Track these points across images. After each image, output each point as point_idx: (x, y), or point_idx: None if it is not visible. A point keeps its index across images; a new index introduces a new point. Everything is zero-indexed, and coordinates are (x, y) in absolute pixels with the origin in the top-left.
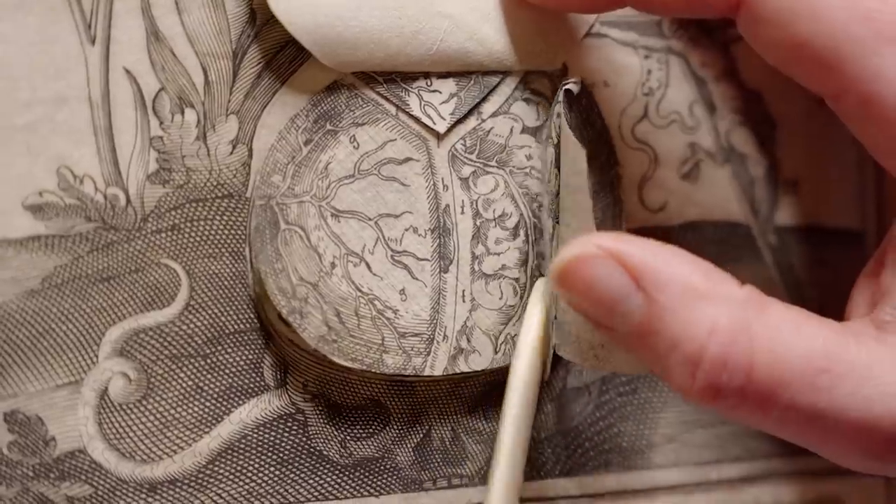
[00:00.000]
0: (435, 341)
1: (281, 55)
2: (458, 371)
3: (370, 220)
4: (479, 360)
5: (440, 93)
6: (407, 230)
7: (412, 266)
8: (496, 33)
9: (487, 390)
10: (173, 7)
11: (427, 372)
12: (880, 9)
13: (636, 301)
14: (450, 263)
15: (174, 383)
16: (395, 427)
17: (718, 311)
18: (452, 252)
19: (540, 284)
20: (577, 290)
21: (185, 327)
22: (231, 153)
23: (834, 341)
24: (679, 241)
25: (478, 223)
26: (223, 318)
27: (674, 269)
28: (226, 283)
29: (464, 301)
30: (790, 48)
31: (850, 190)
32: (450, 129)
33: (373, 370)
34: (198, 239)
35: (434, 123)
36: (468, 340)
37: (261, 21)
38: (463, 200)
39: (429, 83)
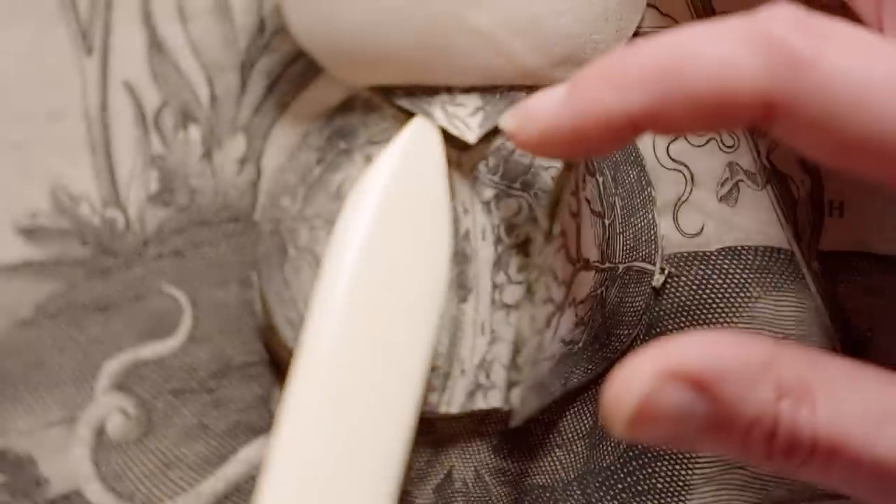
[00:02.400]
0: (451, 376)
1: (292, 67)
2: (475, 408)
3: None
4: (499, 397)
5: (465, 106)
6: None
7: None
8: (528, 49)
9: (513, 428)
10: (177, 15)
11: (443, 409)
12: None
13: (702, 407)
14: (468, 293)
15: (176, 420)
16: (414, 466)
17: (780, 373)
18: (472, 281)
19: None
20: (649, 429)
21: (188, 360)
22: (238, 173)
23: (889, 392)
24: (717, 268)
25: (499, 250)
26: (229, 350)
27: (729, 355)
28: (232, 312)
29: (483, 333)
30: (839, 149)
31: None
32: (471, 149)
33: None
34: (202, 265)
35: (462, 134)
36: (487, 376)
37: (271, 31)
38: (484, 225)
39: (452, 97)
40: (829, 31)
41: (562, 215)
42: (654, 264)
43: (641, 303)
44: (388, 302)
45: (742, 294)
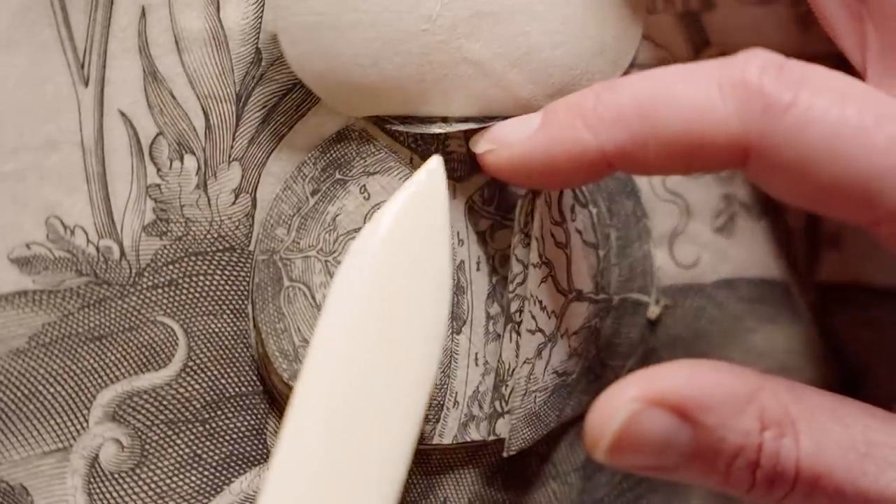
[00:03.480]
0: (445, 407)
1: (288, 98)
2: (468, 439)
3: None
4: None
5: (459, 138)
6: None
7: None
8: (524, 80)
9: (506, 459)
10: (173, 46)
11: (436, 440)
12: None
13: (685, 434)
14: (463, 324)
15: (170, 451)
16: (409, 497)
17: (763, 405)
18: (466, 312)
19: None
20: (629, 455)
21: (182, 390)
22: (233, 203)
23: (875, 427)
24: (712, 299)
25: (493, 281)
26: (223, 381)
27: (714, 385)
28: (226, 342)
29: (476, 364)
30: (813, 192)
31: None
32: (467, 179)
33: None
34: (197, 295)
35: (454, 168)
36: (480, 407)
37: (267, 62)
38: (479, 256)
39: (448, 126)
40: (804, 76)
41: (545, 246)
42: (650, 296)
43: (636, 334)
44: (388, 340)
45: (737, 326)
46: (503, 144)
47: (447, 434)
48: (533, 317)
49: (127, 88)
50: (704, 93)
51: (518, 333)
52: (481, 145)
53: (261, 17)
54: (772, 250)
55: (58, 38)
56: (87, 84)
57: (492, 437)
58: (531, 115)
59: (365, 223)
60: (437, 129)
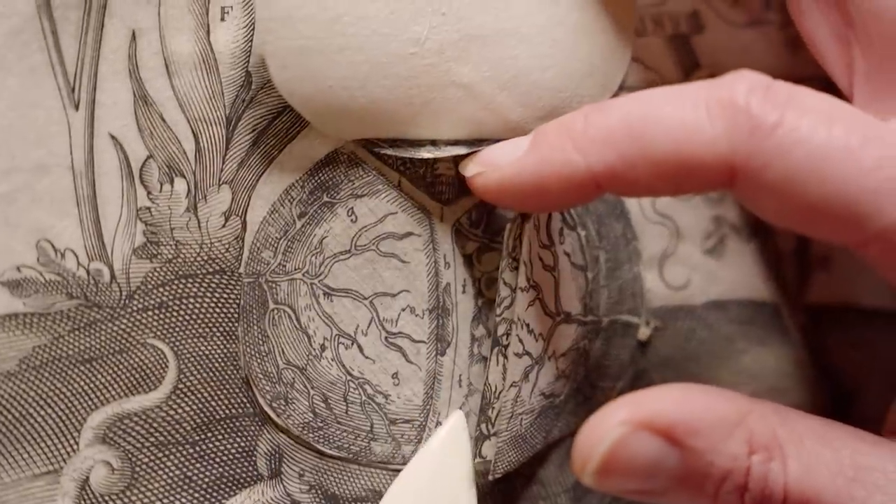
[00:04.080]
0: (427, 428)
1: (278, 121)
2: None
3: (365, 299)
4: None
5: (448, 161)
6: (403, 310)
7: (407, 348)
8: (513, 103)
9: (494, 481)
10: (163, 69)
11: None
12: (885, 155)
13: (673, 458)
14: (447, 346)
15: (160, 473)
16: None
17: (752, 429)
18: (451, 334)
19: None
20: (617, 478)
21: (172, 412)
22: (223, 226)
23: (864, 451)
24: (703, 321)
25: (479, 303)
26: (214, 403)
27: (702, 409)
28: (217, 364)
29: (460, 386)
30: (800, 213)
31: None
32: (455, 202)
33: (359, 460)
34: (187, 318)
35: (442, 193)
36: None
37: (257, 85)
38: (465, 279)
39: (437, 149)
40: (791, 97)
41: (533, 269)
42: (640, 317)
43: (626, 355)
44: None
45: (727, 347)
46: (492, 167)
47: None
48: (520, 340)
49: (117, 111)
50: (692, 113)
51: (505, 357)
52: (470, 168)
53: (251, 40)
54: (761, 272)
55: (48, 61)
56: (77, 107)
57: (477, 460)
58: (520, 138)
59: (351, 246)
60: (426, 153)
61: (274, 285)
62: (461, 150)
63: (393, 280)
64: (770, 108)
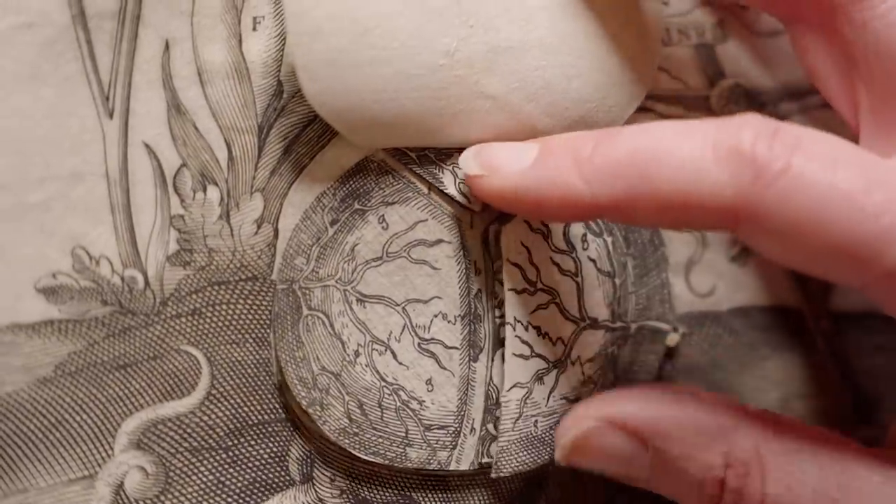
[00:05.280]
0: (462, 434)
1: (309, 129)
2: (485, 462)
3: (397, 305)
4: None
5: None
6: (436, 317)
7: (440, 354)
8: (541, 113)
9: (525, 485)
10: (196, 79)
11: (453, 466)
12: (889, 198)
13: (643, 461)
14: (479, 352)
15: (194, 478)
16: None
17: (732, 443)
18: (483, 340)
19: None
20: (589, 460)
21: (205, 418)
22: (256, 233)
23: (851, 471)
24: (728, 327)
25: None
26: (246, 409)
27: (681, 417)
28: (249, 371)
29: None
30: (803, 257)
31: None
32: (484, 209)
33: (395, 465)
34: (220, 324)
35: (469, 202)
36: (496, 428)
37: (288, 94)
38: (495, 284)
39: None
40: (798, 141)
41: (542, 273)
42: (668, 323)
43: (654, 361)
44: None
45: (752, 353)
46: (495, 172)
47: (464, 460)
48: (525, 342)
49: (151, 120)
50: (699, 155)
51: (502, 358)
52: (472, 167)
53: (282, 49)
54: (785, 279)
55: (83, 71)
56: (111, 116)
57: (485, 460)
58: (526, 144)
59: (383, 253)
60: (450, 172)
61: (308, 291)
62: None
63: (425, 287)
64: (774, 156)
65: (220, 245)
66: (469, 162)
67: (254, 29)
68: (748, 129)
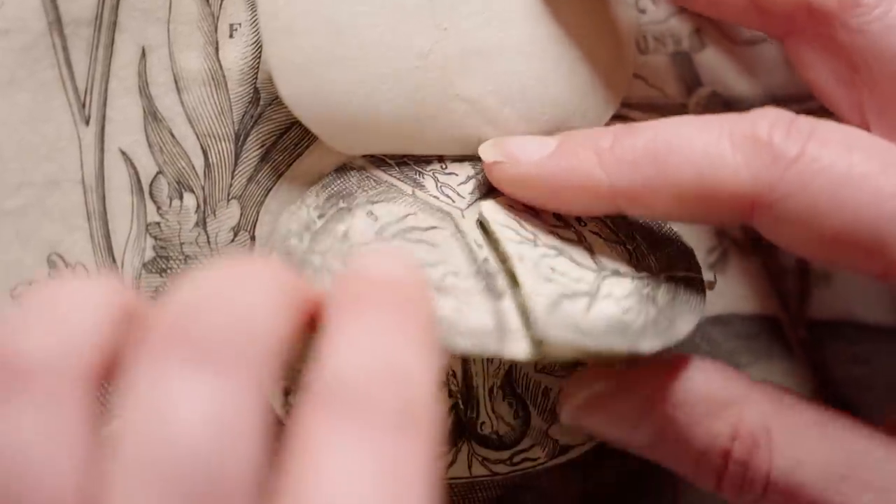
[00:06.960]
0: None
1: (286, 137)
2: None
3: None
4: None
5: (456, 175)
6: (447, 275)
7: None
8: (518, 118)
9: (502, 494)
10: (172, 86)
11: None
12: None
13: (648, 427)
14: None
15: None
16: None
17: (740, 415)
18: (502, 288)
19: None
20: (595, 421)
21: None
22: (232, 241)
23: (859, 448)
24: (706, 336)
25: None
26: None
27: (690, 385)
28: None
29: None
30: (822, 242)
31: None
32: (471, 207)
33: None
34: None
35: (453, 202)
36: None
37: (265, 101)
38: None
39: (443, 166)
40: (813, 131)
41: (548, 240)
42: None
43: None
44: None
45: (730, 362)
46: (514, 160)
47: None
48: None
49: (127, 127)
50: (716, 143)
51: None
52: (491, 154)
53: (259, 57)
54: (763, 287)
55: (59, 77)
56: (88, 123)
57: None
58: (547, 137)
59: (377, 238)
60: (430, 178)
61: (305, 262)
62: (467, 170)
63: (428, 256)
64: (792, 142)
65: (197, 252)
66: (488, 150)
67: (230, 36)
68: (764, 119)
